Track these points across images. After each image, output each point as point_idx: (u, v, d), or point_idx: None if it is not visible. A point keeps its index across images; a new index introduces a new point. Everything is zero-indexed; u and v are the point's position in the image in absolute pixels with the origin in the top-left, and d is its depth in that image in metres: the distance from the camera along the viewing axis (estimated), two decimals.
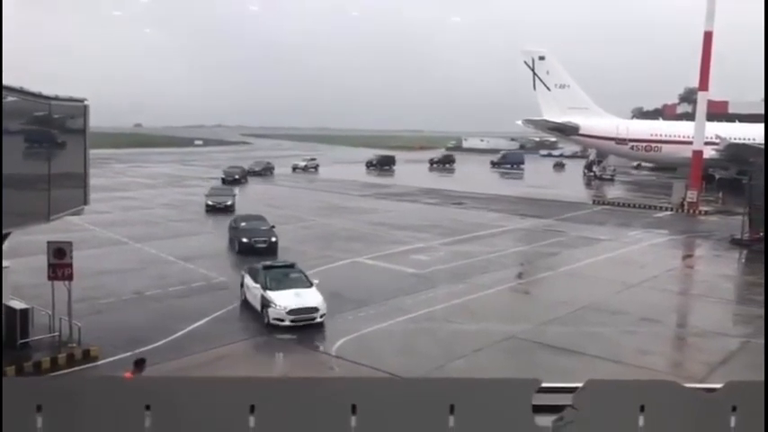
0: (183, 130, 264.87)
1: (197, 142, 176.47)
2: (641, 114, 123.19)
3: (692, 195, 56.93)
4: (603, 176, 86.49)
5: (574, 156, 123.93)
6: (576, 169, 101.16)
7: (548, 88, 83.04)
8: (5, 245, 19.55)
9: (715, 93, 68.86)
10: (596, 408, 3.16)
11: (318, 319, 23.54)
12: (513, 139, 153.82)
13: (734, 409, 3.18)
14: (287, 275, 25.45)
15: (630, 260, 36.97)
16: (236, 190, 57.18)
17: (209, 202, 50.51)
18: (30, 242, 26.71)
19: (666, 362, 22.37)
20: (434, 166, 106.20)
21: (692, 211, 55.72)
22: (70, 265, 20.90)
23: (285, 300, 23.47)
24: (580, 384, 3.20)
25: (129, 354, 19.80)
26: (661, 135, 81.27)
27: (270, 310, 23.35)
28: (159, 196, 61.25)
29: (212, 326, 23.58)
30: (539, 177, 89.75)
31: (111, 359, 20.16)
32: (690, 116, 79.64)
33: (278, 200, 59.12)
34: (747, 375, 18.73)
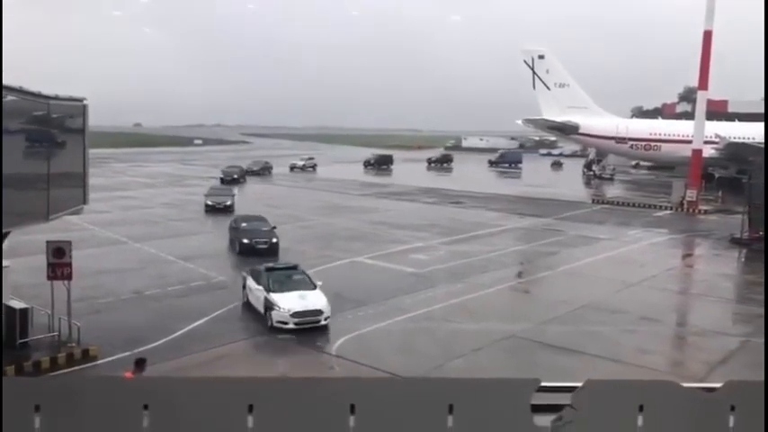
0: (182, 130, 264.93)
1: (196, 141, 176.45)
2: (641, 113, 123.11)
3: (691, 194, 56.94)
4: (603, 175, 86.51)
5: (573, 155, 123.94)
6: (573, 168, 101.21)
7: (547, 87, 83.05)
8: (5, 244, 19.54)
9: (714, 92, 68.94)
10: (595, 407, 3.16)
11: (323, 322, 23.21)
12: (512, 139, 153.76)
13: (732, 408, 3.18)
14: (290, 277, 25.10)
15: (630, 259, 36.97)
16: (235, 190, 57.12)
17: (209, 202, 50.27)
18: (29, 242, 26.71)
19: (666, 361, 22.37)
20: (432, 165, 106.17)
21: (691, 210, 55.73)
22: (69, 265, 20.88)
23: (289, 302, 23.14)
24: (579, 384, 3.19)
25: (128, 353, 19.81)
26: (660, 134, 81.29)
27: (273, 312, 23.04)
28: (159, 196, 61.24)
29: (211, 325, 23.57)
30: (536, 176, 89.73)
31: (111, 359, 20.16)
32: (689, 115, 79.63)
33: (276, 199, 59.11)
34: (747, 375, 18.74)
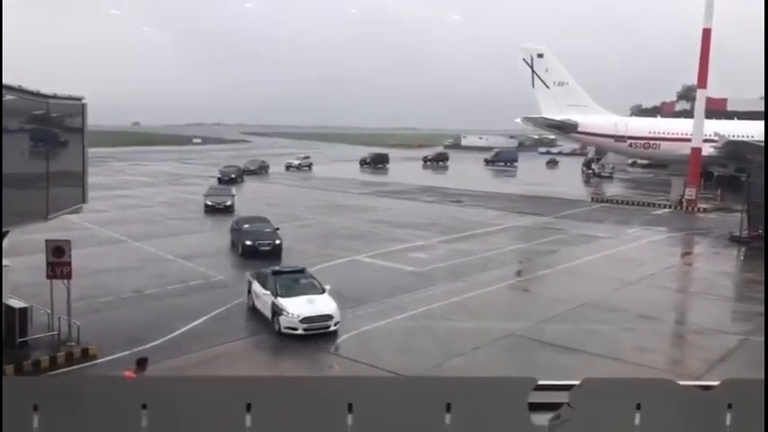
0: (182, 129, 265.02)
1: (196, 140, 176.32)
2: (640, 112, 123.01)
3: (690, 193, 56.94)
4: (602, 174, 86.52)
5: (573, 153, 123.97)
6: (569, 166, 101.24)
7: (546, 86, 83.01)
8: (4, 243, 19.55)
9: (714, 90, 68.85)
10: (592, 406, 3.17)
11: (333, 328, 22.59)
12: (511, 137, 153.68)
13: (729, 406, 3.19)
14: (298, 281, 24.47)
15: (629, 257, 36.98)
16: (234, 190, 57.01)
17: (209, 203, 49.82)
18: (28, 241, 26.72)
19: (665, 359, 22.40)
20: (428, 163, 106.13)
21: (690, 208, 55.73)
22: (69, 264, 20.88)
23: (297, 307, 22.52)
24: (576, 382, 3.20)
25: (127, 352, 19.84)
26: (660, 132, 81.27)
27: (282, 318, 22.44)
28: (158, 195, 61.22)
29: (211, 324, 23.58)
30: (533, 175, 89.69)
31: (110, 358, 20.18)
32: (688, 113, 79.64)
33: (275, 198, 59.11)
34: (746, 373, 18.75)
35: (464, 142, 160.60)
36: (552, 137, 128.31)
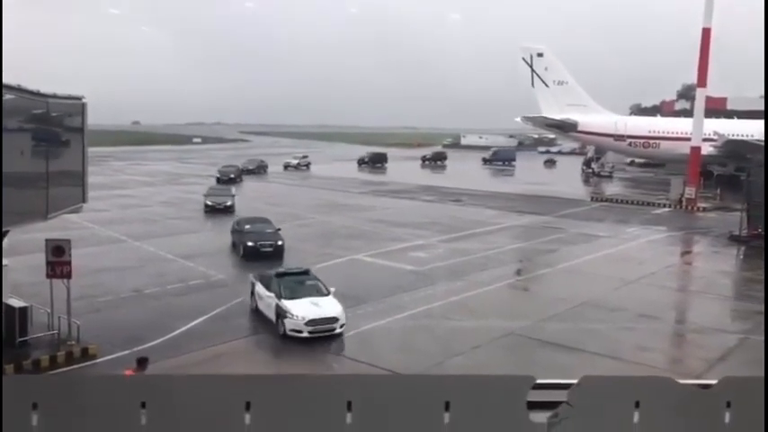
0: (182, 128, 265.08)
1: (195, 140, 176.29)
2: (639, 111, 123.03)
3: (690, 192, 56.94)
4: (602, 173, 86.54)
5: (572, 152, 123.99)
6: (568, 166, 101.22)
7: (546, 85, 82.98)
8: (4, 243, 19.54)
9: (713, 89, 68.85)
10: (591, 404, 3.17)
11: (338, 330, 22.29)
12: (511, 136, 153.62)
13: (728, 404, 3.19)
14: (302, 283, 24.07)
15: (629, 257, 36.98)
16: (233, 189, 56.91)
17: (209, 203, 49.41)
18: (28, 240, 26.72)
19: (665, 358, 22.40)
20: (426, 163, 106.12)
21: (690, 207, 55.72)
22: (69, 263, 20.87)
23: (302, 309, 22.19)
24: (575, 381, 3.20)
25: (127, 351, 19.85)
26: (659, 131, 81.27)
27: (286, 320, 22.08)
28: (158, 194, 61.18)
29: (211, 323, 23.57)
30: (531, 174, 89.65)
31: (110, 357, 20.17)
32: (688, 113, 79.62)
33: (274, 198, 59.10)
34: (746, 372, 18.76)
35: (464, 141, 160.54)
36: (552, 136, 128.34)
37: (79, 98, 22.26)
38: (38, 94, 19.47)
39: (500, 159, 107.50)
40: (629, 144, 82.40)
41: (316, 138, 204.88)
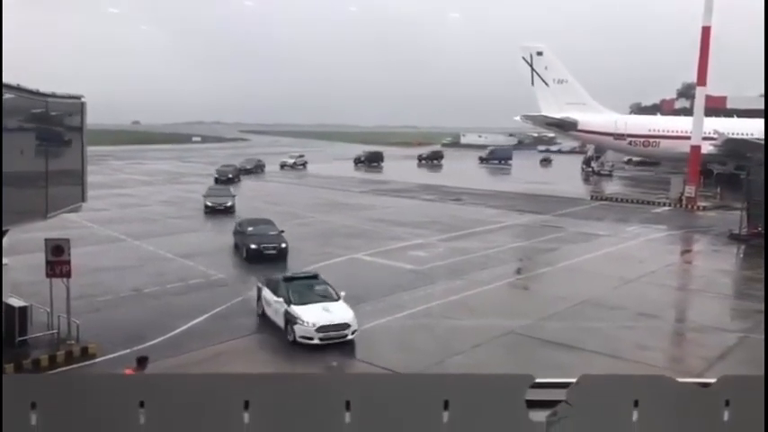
0: (181, 127, 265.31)
1: (195, 139, 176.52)
2: (639, 110, 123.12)
3: (690, 191, 56.95)
4: (602, 172, 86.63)
5: (572, 151, 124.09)
6: (566, 164, 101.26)
7: (546, 84, 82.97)
8: (4, 242, 19.53)
9: (713, 88, 68.88)
10: (590, 403, 3.17)
11: (350, 336, 21.61)
12: (511, 135, 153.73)
13: (727, 403, 3.19)
14: (311, 288, 23.40)
15: (629, 255, 36.99)
16: (233, 189, 56.83)
17: (209, 203, 48.82)
18: (28, 240, 26.73)
19: (665, 357, 22.39)
20: (423, 162, 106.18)
21: (690, 206, 55.74)
22: (68, 263, 20.86)
23: (313, 315, 21.52)
24: (574, 380, 3.20)
25: (127, 351, 19.87)
26: (659, 130, 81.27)
27: (296, 327, 21.40)
28: (157, 193, 61.20)
29: (211, 323, 23.58)
30: (528, 173, 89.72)
31: (110, 356, 20.17)
32: (688, 111, 79.65)
33: (273, 197, 59.10)
34: (745, 371, 18.77)
35: (463, 140, 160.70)
36: (552, 135, 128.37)
37: (78, 97, 22.25)
38: (37, 93, 19.47)
39: (497, 158, 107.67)
40: (629, 143, 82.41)
41: (315, 137, 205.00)
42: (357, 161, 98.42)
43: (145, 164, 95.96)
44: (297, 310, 21.79)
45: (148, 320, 23.44)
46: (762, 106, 67.57)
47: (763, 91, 72.60)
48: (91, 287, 26.35)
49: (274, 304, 22.86)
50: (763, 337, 22.45)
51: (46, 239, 21.47)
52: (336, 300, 22.89)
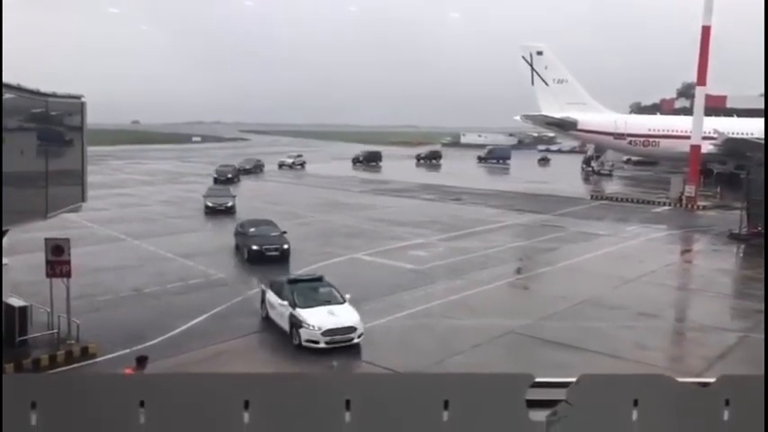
0: (181, 127, 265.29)
1: (195, 139, 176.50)
2: (639, 109, 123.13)
3: (690, 190, 56.94)
4: (602, 171, 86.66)
5: (572, 151, 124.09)
6: (566, 164, 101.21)
7: (546, 83, 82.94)
8: (4, 242, 19.53)
9: (713, 87, 68.83)
10: (590, 402, 3.17)
11: (356, 340, 21.35)
12: (511, 135, 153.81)
13: (727, 403, 3.19)
14: (316, 290, 23.05)
15: (629, 255, 36.98)
16: (233, 190, 56.70)
17: (209, 204, 48.42)
18: (28, 239, 26.72)
19: (665, 356, 22.38)
20: (421, 161, 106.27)
21: (690, 205, 55.72)
22: (68, 263, 20.85)
23: (318, 319, 21.16)
24: (573, 379, 3.20)
25: (127, 351, 19.86)
26: (659, 130, 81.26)
27: (302, 331, 21.06)
28: (157, 193, 61.18)
29: (211, 322, 23.57)
30: (525, 172, 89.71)
31: (110, 356, 20.16)
32: (688, 111, 79.62)
33: (273, 197, 59.07)
34: (745, 370, 18.77)
35: (463, 140, 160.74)
36: (551, 134, 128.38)
37: (78, 97, 22.25)
38: (37, 93, 19.46)
39: (495, 158, 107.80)
40: (629, 142, 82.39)
41: (315, 136, 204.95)
42: (355, 161, 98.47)
43: (145, 164, 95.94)
44: (302, 313, 21.42)
45: (148, 320, 23.44)
46: (762, 106, 67.56)
47: (763, 90, 72.47)
48: (91, 287, 26.35)
49: (279, 307, 22.52)
50: (762, 336, 22.46)
51: (46, 239, 21.47)
52: (342, 302, 22.51)
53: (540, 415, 3.15)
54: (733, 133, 71.75)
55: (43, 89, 19.85)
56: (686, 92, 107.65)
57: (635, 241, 41.15)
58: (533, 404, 3.15)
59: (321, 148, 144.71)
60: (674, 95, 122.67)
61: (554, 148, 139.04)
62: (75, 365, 19.61)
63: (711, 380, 3.26)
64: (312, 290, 23.03)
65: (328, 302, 22.33)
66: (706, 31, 57.57)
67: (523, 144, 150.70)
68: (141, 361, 15.32)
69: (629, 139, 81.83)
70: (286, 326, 21.94)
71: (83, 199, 22.99)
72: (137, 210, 50.02)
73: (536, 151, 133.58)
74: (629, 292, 28.82)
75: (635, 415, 3.18)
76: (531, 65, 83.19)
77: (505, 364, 20.42)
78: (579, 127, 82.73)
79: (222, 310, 24.88)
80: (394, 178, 76.69)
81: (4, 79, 16.63)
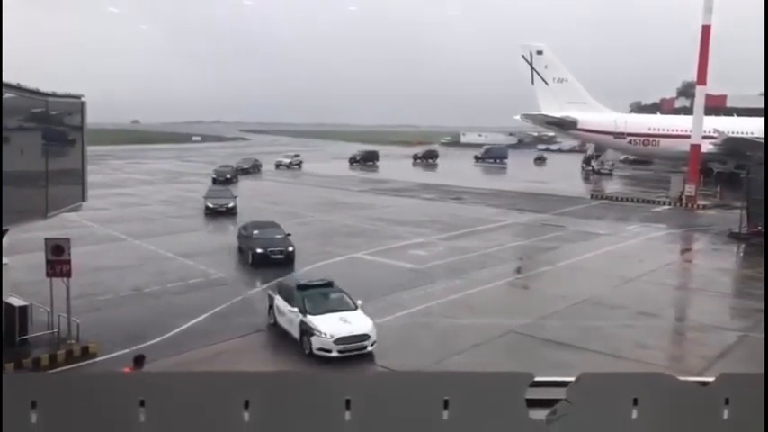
0: (181, 126, 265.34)
1: (195, 138, 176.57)
2: (639, 109, 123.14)
3: (690, 189, 56.95)
4: (602, 171, 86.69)
5: (572, 150, 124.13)
6: (566, 163, 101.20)
7: (546, 83, 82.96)
8: (4, 241, 19.53)
9: (713, 87, 68.83)
10: (590, 401, 3.17)
11: (369, 348, 20.59)
12: (511, 134, 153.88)
13: (727, 401, 3.19)
14: (327, 296, 22.25)
15: (629, 254, 36.99)
16: (233, 190, 56.53)
17: (210, 205, 47.70)
18: (28, 239, 26.73)
19: (665, 356, 22.39)
20: (418, 161, 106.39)
21: (690, 205, 55.74)
22: (68, 262, 20.87)
23: (330, 326, 20.41)
24: (573, 378, 3.20)
25: (127, 350, 19.85)
26: (659, 129, 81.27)
27: (313, 338, 20.36)
28: (157, 193, 61.19)
29: (211, 322, 23.58)
30: (523, 171, 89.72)
31: (110, 355, 20.18)
32: (688, 110, 79.64)
33: (272, 197, 59.07)
34: (745, 369, 18.76)
35: (463, 139, 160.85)
36: (551, 134, 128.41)
37: (78, 97, 22.25)
38: (37, 92, 19.47)
39: (492, 157, 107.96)
40: (629, 142, 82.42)
41: (315, 136, 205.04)
42: (352, 160, 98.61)
43: (145, 163, 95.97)
44: (314, 320, 20.71)
45: (149, 320, 23.45)
46: (762, 105, 67.60)
47: (762, 90, 72.50)
48: (91, 286, 26.36)
49: (288, 314, 21.79)
50: (762, 335, 22.46)
51: (46, 239, 21.49)
52: (354, 309, 21.83)
53: (539, 414, 3.16)
54: (733, 133, 71.76)
55: (43, 89, 19.85)
56: (686, 91, 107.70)
57: (635, 240, 41.16)
58: (533, 403, 3.15)
59: (320, 147, 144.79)
60: (674, 95, 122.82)
61: (554, 147, 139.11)
62: (76, 365, 19.62)
63: (711, 378, 3.26)
64: (323, 296, 22.29)
65: (340, 309, 21.62)
66: (706, 30, 57.57)
67: (523, 143, 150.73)
68: (138, 360, 15.33)
69: (629, 138, 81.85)
70: (296, 333, 21.29)
71: (83, 198, 23.00)
72: (137, 209, 50.03)
73: (536, 150, 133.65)
74: (629, 292, 28.83)
75: (635, 413, 3.18)
76: (530, 64, 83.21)
77: (505, 363, 20.41)
78: (579, 126, 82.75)
79: (222, 310, 24.89)
80: (394, 178, 76.74)
81: (4, 79, 16.63)
